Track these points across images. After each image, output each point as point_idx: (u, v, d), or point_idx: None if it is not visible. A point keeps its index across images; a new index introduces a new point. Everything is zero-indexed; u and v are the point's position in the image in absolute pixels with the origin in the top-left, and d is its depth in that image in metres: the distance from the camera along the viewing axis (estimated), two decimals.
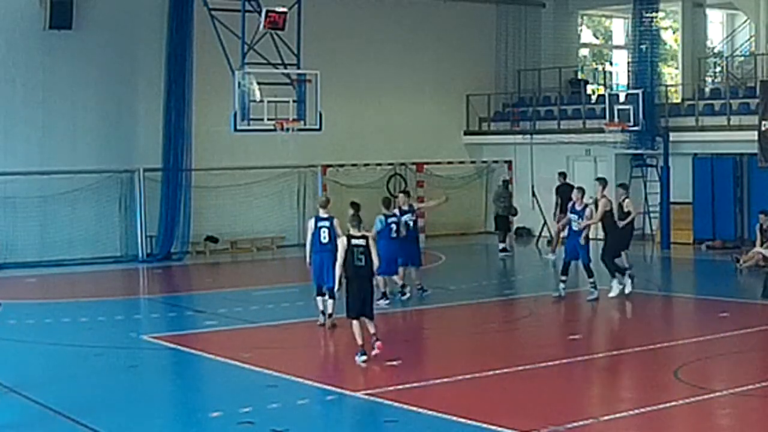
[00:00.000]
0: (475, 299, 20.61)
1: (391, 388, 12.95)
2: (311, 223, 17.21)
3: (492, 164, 33.22)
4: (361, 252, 14.37)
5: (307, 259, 17.04)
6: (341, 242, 14.66)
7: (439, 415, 11.66)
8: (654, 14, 28.95)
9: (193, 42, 27.07)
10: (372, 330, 14.59)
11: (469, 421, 11.33)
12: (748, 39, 33.68)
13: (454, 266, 26.13)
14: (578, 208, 20.20)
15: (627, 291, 19.83)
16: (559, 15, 34.52)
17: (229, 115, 23.67)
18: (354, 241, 14.44)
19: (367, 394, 12.67)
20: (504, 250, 27.36)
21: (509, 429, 11.01)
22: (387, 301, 18.99)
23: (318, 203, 17.72)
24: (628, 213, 22.41)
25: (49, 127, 26.80)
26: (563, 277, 20.07)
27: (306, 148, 27.04)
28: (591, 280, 19.76)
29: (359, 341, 14.41)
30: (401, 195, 20.56)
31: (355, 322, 14.51)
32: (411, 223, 19.81)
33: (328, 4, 29.79)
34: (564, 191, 26.31)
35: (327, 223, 16.89)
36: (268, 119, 23.50)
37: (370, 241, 14.60)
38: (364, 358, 14.34)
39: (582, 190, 20.68)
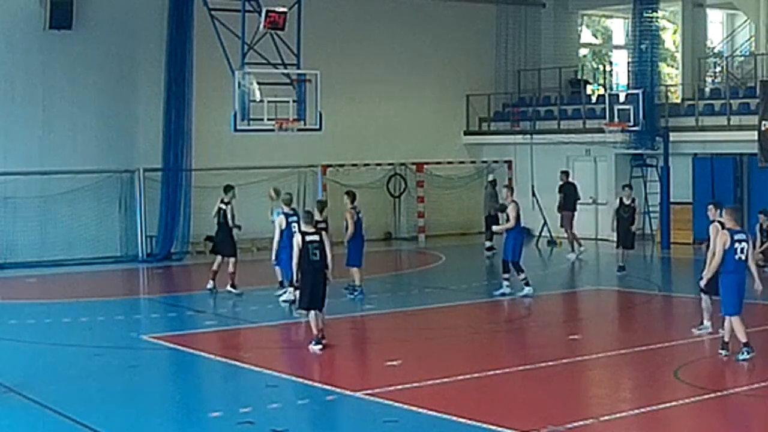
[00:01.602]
0: (475, 299, 20.61)
1: (391, 388, 12.94)
2: (281, 219, 18.19)
3: (492, 164, 33.23)
4: (315, 247, 15.11)
5: (273, 257, 17.74)
6: (296, 239, 15.31)
7: (439, 415, 11.66)
8: (654, 14, 28.96)
9: (193, 42, 27.08)
10: (320, 326, 15.25)
11: (469, 421, 11.33)
12: (748, 39, 33.69)
13: (454, 266, 26.13)
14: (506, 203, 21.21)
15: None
16: (559, 15, 34.54)
17: (229, 115, 23.67)
18: (308, 237, 15.15)
19: (367, 394, 12.66)
20: (491, 249, 27.32)
21: (509, 429, 11.01)
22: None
23: (282, 200, 18.54)
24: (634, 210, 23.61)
25: (49, 127, 26.81)
26: (506, 275, 20.46)
27: (306, 148, 27.05)
28: (506, 275, 20.34)
29: (315, 331, 15.22)
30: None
31: (312, 313, 15.28)
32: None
33: (328, 4, 29.79)
34: (567, 189, 26.54)
35: (296, 218, 18.01)
36: (268, 119, 23.50)
37: (324, 237, 15.31)
38: (320, 346, 15.15)
39: (511, 188, 21.90)
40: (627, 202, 23.80)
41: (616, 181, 29.11)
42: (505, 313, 19.58)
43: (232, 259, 20.87)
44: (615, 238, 23.91)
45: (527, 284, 20.17)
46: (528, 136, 31.52)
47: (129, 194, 27.50)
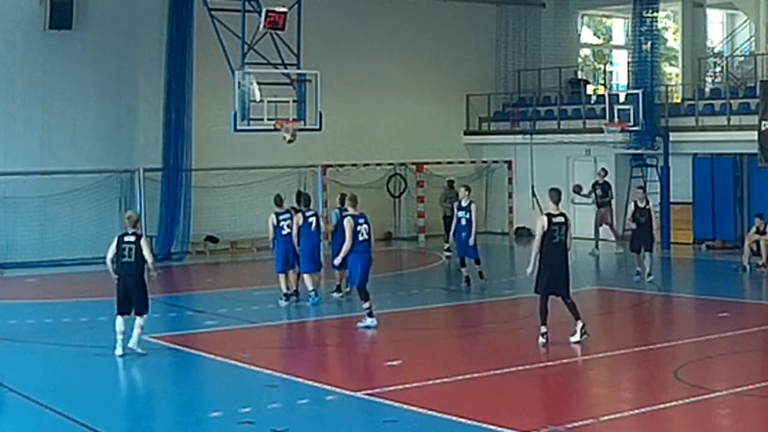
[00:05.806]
0: (475, 299, 20.61)
1: (391, 388, 12.95)
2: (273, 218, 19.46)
3: (492, 164, 33.24)
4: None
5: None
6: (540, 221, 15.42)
7: (439, 415, 11.66)
8: (654, 14, 28.97)
9: (193, 42, 27.10)
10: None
11: (469, 421, 11.33)
12: (748, 39, 33.68)
13: (453, 266, 26.09)
14: (464, 204, 21.36)
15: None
16: (559, 15, 34.55)
17: (229, 115, 23.66)
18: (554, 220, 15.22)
19: (367, 394, 12.66)
20: (449, 250, 26.79)
21: (509, 429, 11.01)
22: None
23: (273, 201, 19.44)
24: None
25: (49, 127, 26.81)
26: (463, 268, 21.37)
27: (306, 148, 27.03)
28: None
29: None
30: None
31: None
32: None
33: (328, 4, 29.80)
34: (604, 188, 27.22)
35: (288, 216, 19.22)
36: (268, 119, 23.49)
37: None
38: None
39: (468, 188, 22.01)
40: (641, 204, 22.40)
41: (616, 181, 29.11)
42: (506, 312, 19.57)
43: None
44: (629, 241, 23.27)
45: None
46: (528, 136, 31.53)
47: (129, 194, 27.47)
